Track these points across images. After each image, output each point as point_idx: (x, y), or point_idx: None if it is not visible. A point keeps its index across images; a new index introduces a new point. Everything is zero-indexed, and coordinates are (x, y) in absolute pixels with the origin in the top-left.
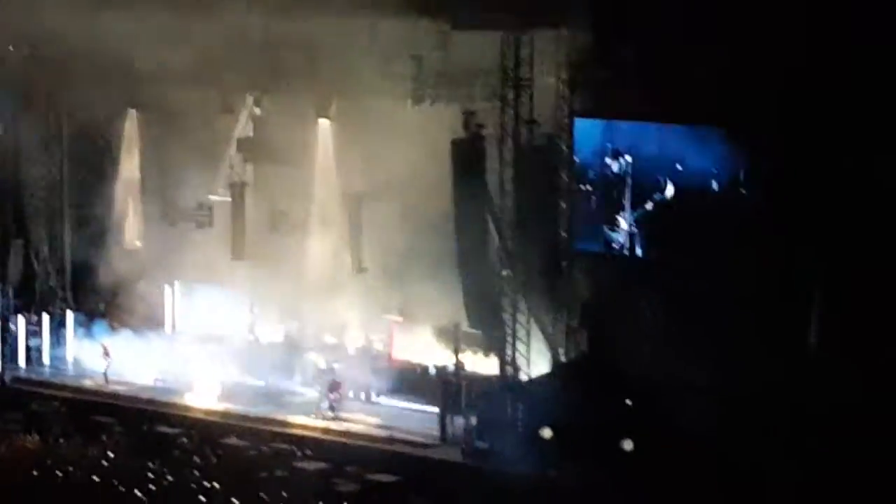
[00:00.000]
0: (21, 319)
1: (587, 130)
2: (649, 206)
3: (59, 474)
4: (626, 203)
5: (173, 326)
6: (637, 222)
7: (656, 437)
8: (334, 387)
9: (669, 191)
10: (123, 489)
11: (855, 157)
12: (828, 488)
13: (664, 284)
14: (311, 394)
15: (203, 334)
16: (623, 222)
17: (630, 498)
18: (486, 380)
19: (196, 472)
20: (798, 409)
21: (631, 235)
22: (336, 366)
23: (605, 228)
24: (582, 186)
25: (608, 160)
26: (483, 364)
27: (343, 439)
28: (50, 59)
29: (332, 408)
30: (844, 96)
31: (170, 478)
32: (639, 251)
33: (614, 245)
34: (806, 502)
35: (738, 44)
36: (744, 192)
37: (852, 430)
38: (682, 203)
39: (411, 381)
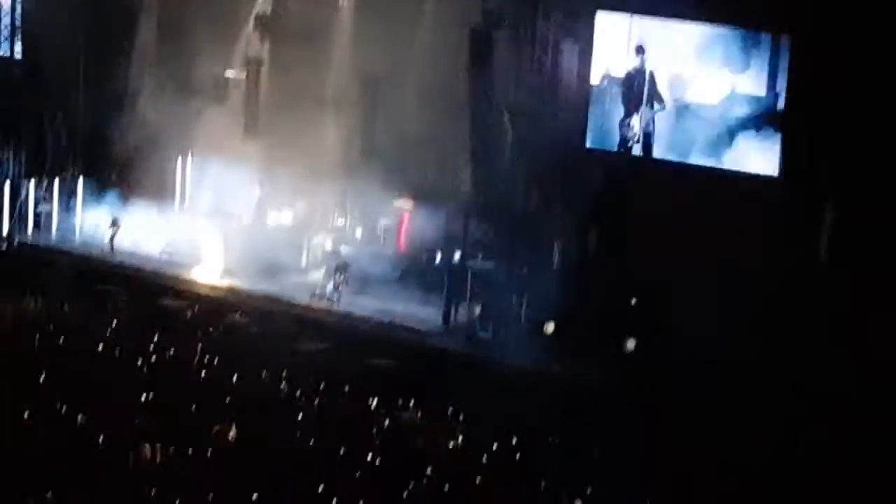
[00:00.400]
0: (31, 184)
1: (608, 24)
2: (666, 105)
3: (62, 340)
4: (644, 101)
5: (182, 200)
6: (654, 121)
7: (660, 338)
8: (341, 269)
9: (689, 91)
10: (125, 358)
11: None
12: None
13: (677, 185)
14: (317, 275)
15: (212, 210)
16: (639, 121)
17: (630, 397)
18: (493, 270)
19: (198, 346)
20: (806, 312)
21: (647, 135)
22: (343, 248)
23: (621, 127)
24: (599, 82)
25: (629, 57)
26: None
27: (346, 322)
28: None
29: (336, 289)
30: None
31: (171, 350)
32: (655, 151)
33: (629, 144)
34: (808, 401)
35: None
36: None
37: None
38: (700, 104)
39: (417, 269)
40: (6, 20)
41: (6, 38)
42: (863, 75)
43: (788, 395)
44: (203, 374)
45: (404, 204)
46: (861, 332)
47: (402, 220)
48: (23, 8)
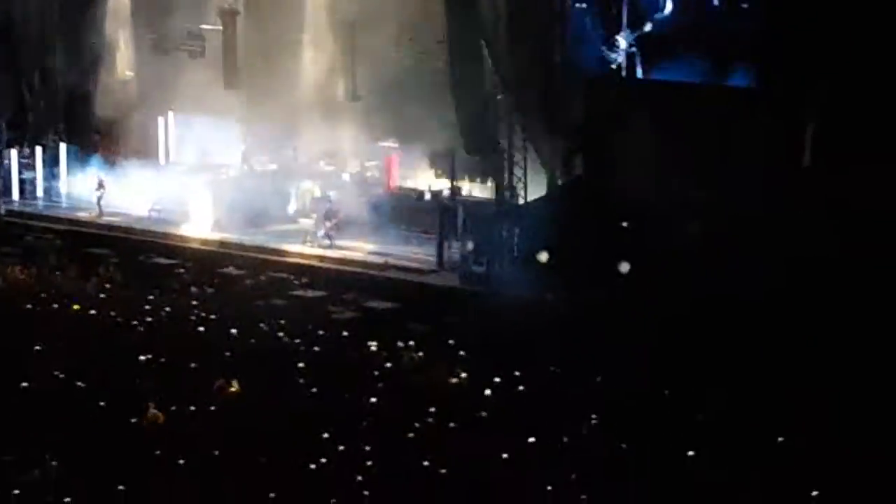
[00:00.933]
0: (14, 153)
1: None
2: (648, 26)
3: (56, 306)
4: (624, 22)
5: (167, 157)
6: (635, 42)
7: (652, 259)
8: (331, 215)
9: (668, 8)
10: (121, 320)
11: None
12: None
13: (662, 106)
14: (307, 222)
15: (197, 164)
16: (622, 42)
17: (627, 321)
18: (483, 205)
19: (193, 302)
20: (794, 232)
21: (629, 56)
22: (331, 194)
23: (603, 49)
24: (578, 5)
25: None
26: (480, 189)
27: (339, 266)
28: None
29: (328, 236)
30: None
31: (167, 308)
32: (638, 72)
33: (612, 66)
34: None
35: None
36: (744, 6)
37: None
38: (680, 21)
39: (407, 209)
40: None
41: None
42: None
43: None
44: (201, 330)
45: (390, 144)
46: None
47: (389, 161)
48: None
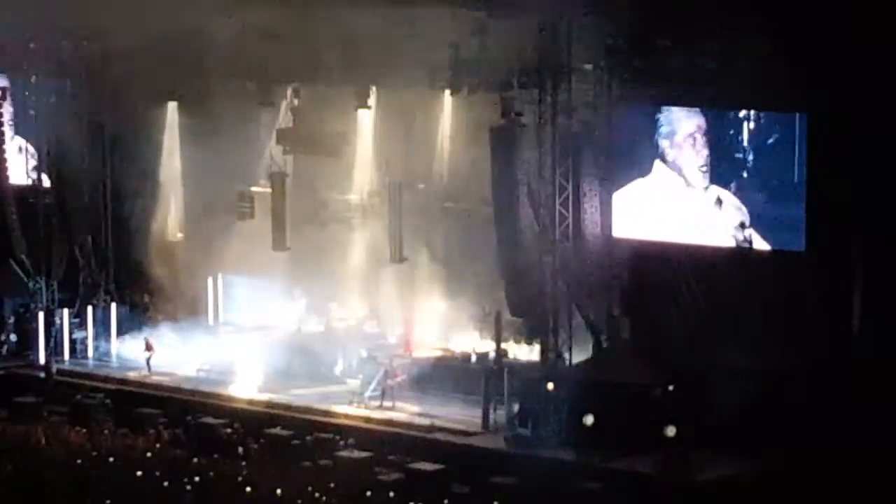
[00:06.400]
0: (65, 313)
1: (627, 117)
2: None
3: (105, 466)
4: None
5: (216, 317)
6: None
7: (699, 423)
8: (391, 374)
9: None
10: (168, 481)
11: None
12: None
13: (705, 272)
14: (354, 383)
15: (245, 325)
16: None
17: (675, 484)
18: (528, 367)
19: (240, 463)
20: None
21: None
22: (378, 355)
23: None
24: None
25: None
26: (524, 352)
27: (385, 427)
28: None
29: (383, 394)
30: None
31: (214, 470)
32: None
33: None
34: (855, 482)
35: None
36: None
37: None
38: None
39: (453, 370)
40: (33, 151)
41: (34, 169)
42: None
43: None
44: (247, 491)
45: (436, 306)
46: None
47: (408, 323)
48: (48, 139)
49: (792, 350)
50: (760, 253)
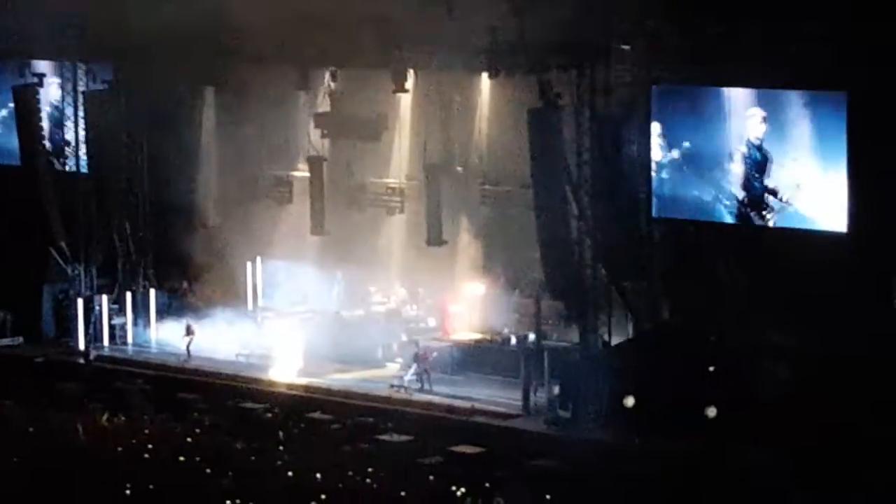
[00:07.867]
0: (104, 299)
1: (665, 99)
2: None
3: (145, 452)
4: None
5: (255, 302)
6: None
7: (740, 404)
8: (422, 358)
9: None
10: (208, 467)
11: None
12: None
13: (746, 252)
14: (394, 367)
15: (284, 310)
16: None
17: (714, 466)
18: (569, 349)
19: (280, 447)
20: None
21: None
22: (418, 338)
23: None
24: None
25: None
26: (565, 333)
27: (426, 411)
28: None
29: (419, 379)
30: None
31: (255, 456)
32: (725, 216)
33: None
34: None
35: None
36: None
37: None
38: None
39: (493, 353)
40: (70, 136)
41: (72, 153)
42: None
43: None
44: (288, 476)
45: (475, 289)
46: None
47: (444, 306)
48: (86, 122)
49: (834, 331)
50: (802, 232)
